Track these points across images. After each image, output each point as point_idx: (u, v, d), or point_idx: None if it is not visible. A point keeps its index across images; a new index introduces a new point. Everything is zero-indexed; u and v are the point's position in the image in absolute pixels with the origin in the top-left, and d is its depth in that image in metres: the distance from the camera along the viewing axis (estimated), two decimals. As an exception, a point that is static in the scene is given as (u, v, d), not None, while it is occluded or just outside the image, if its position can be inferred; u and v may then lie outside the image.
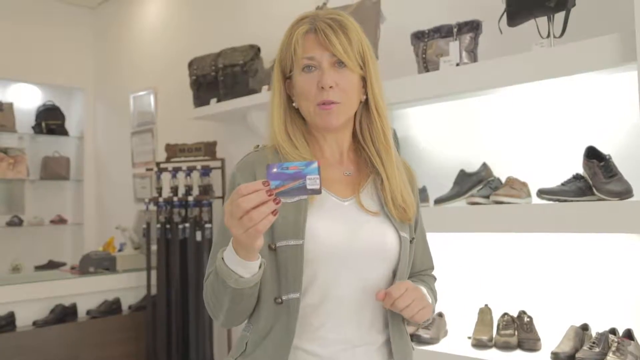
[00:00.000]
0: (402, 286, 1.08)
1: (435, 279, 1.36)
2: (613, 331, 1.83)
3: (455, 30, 2.12)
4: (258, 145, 1.22)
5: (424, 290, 1.18)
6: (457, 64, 2.08)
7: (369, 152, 1.19)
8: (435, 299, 1.28)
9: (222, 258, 1.01)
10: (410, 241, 1.19)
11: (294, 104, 1.18)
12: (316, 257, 1.09)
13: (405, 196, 1.17)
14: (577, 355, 1.77)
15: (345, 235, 1.10)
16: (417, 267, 1.29)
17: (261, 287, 1.10)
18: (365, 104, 1.19)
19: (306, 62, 1.12)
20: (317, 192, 0.91)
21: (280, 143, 1.16)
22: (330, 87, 1.10)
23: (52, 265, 4.70)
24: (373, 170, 1.19)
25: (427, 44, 2.19)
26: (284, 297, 1.09)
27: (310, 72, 1.12)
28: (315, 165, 0.91)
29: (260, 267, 1.01)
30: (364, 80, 1.16)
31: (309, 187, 0.91)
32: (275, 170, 0.91)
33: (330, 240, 1.09)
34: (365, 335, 1.13)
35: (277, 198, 0.90)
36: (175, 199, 3.48)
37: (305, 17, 1.16)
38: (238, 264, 0.98)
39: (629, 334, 1.81)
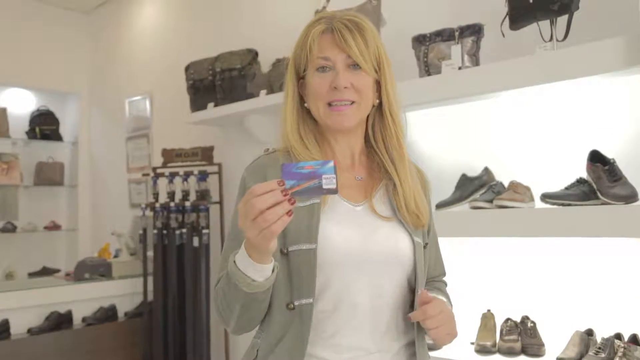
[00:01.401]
0: (439, 307, 1.06)
1: (446, 284, 1.35)
2: (618, 336, 1.82)
3: (457, 33, 2.11)
4: (268, 149, 1.20)
5: (452, 312, 1.16)
6: (459, 68, 2.07)
7: (381, 157, 1.18)
8: (450, 305, 1.27)
9: (234, 262, 0.98)
10: (424, 246, 1.18)
11: (305, 105, 1.17)
12: (330, 263, 1.06)
13: (418, 203, 1.15)
14: (583, 360, 1.76)
15: (359, 240, 1.08)
16: (430, 273, 1.27)
17: (272, 293, 1.07)
18: (379, 109, 1.18)
19: (321, 63, 1.11)
20: (334, 191, 0.89)
21: (293, 144, 1.14)
22: (345, 87, 1.09)
23: (46, 271, 4.65)
24: (385, 175, 1.18)
25: (428, 47, 2.18)
26: (296, 303, 1.06)
27: (324, 73, 1.11)
28: (331, 164, 0.89)
29: (273, 271, 0.99)
30: (377, 84, 1.15)
31: (325, 186, 0.88)
32: (290, 169, 0.89)
33: (344, 246, 1.07)
34: (379, 342, 1.11)
35: (292, 198, 0.88)
36: (172, 204, 3.46)
37: (322, 18, 1.15)
38: (251, 268, 0.96)
39: (634, 339, 1.80)
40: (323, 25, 1.12)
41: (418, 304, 1.08)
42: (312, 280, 1.05)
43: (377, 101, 1.17)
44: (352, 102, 1.11)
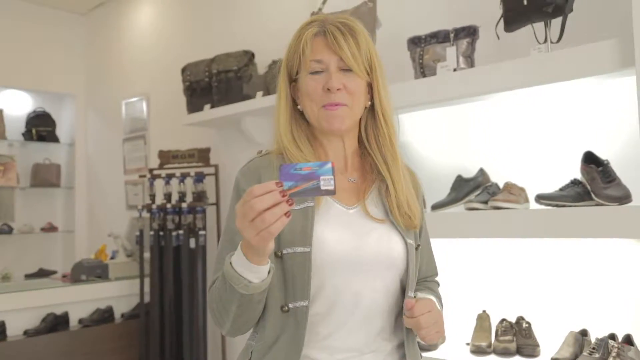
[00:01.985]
0: (427, 306, 1.07)
1: (438, 284, 1.36)
2: (612, 337, 1.83)
3: (452, 35, 2.12)
4: (261, 151, 1.21)
5: (441, 311, 1.17)
6: (454, 70, 2.08)
7: (375, 159, 1.18)
8: (441, 304, 1.27)
9: (230, 263, 0.98)
10: (416, 248, 1.18)
11: (298, 107, 1.17)
12: (324, 265, 1.07)
13: (411, 204, 1.16)
14: (577, 361, 1.76)
15: (352, 243, 1.09)
16: (422, 274, 1.28)
17: (267, 295, 1.07)
18: (371, 110, 1.18)
19: (314, 66, 1.12)
20: (332, 192, 0.90)
21: (286, 145, 1.14)
22: (338, 89, 1.10)
23: (42, 273, 4.64)
24: (378, 176, 1.18)
25: (423, 49, 2.19)
26: (290, 305, 1.07)
27: (317, 75, 1.12)
28: (329, 166, 0.90)
29: (269, 273, 0.99)
30: (369, 86, 1.16)
31: (323, 187, 0.89)
32: (288, 170, 0.89)
33: (338, 248, 1.08)
34: (372, 343, 1.12)
35: (290, 199, 0.88)
36: (168, 205, 3.45)
37: (314, 20, 1.15)
38: (247, 269, 0.96)
39: (628, 340, 1.81)
40: (315, 28, 1.13)
41: (404, 311, 1.09)
42: (307, 283, 1.06)
43: (369, 103, 1.17)
44: (344, 105, 1.11)
